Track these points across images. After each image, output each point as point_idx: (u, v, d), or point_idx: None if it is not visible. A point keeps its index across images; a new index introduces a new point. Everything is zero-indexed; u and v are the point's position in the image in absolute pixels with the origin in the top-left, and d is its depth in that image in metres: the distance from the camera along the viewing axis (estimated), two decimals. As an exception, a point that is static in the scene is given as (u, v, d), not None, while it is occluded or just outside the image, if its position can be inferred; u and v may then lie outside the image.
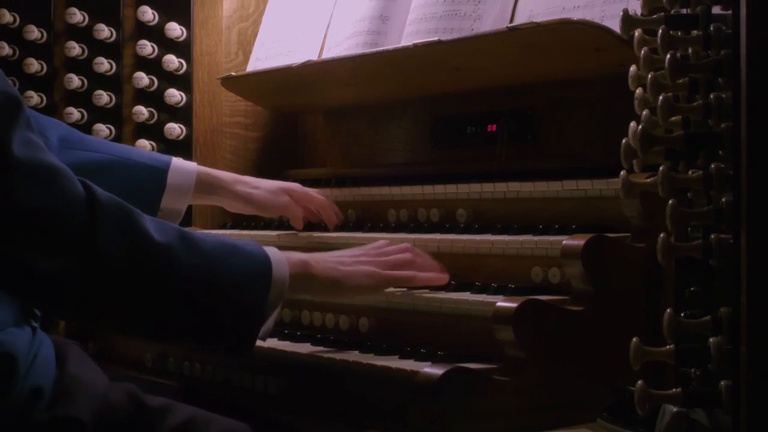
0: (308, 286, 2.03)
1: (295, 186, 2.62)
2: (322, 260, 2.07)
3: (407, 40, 2.55)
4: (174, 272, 1.83)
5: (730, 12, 1.39)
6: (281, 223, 2.75)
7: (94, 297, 1.81)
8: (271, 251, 1.97)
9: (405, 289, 2.20)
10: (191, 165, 2.52)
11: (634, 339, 1.46)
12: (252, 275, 1.92)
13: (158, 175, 2.43)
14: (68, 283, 1.77)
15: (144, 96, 3.16)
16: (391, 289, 2.21)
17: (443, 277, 2.17)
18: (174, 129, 3.09)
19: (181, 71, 3.12)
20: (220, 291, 1.88)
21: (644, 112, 1.50)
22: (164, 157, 2.50)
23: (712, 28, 1.44)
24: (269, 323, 1.94)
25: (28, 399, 1.81)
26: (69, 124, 3.17)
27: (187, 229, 1.97)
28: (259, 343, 2.18)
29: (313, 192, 2.62)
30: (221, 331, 1.92)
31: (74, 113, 3.18)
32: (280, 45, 2.99)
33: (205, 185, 2.52)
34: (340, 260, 2.10)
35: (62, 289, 1.78)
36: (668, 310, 1.43)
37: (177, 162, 2.49)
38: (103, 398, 1.89)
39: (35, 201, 1.71)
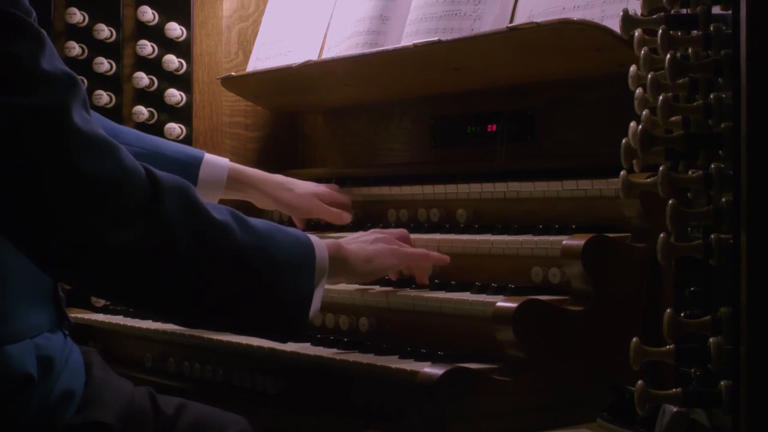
0: (343, 266, 2.05)
1: (323, 190, 2.64)
2: (349, 243, 2.11)
3: (407, 40, 2.54)
4: (233, 249, 1.81)
5: (730, 12, 1.39)
6: (285, 222, 2.75)
7: (155, 272, 1.76)
8: (311, 236, 1.98)
9: (404, 290, 2.20)
10: (223, 161, 2.55)
11: (634, 339, 1.46)
12: (300, 256, 1.91)
13: (190, 169, 2.45)
14: (135, 254, 1.72)
15: (144, 96, 3.16)
16: (391, 289, 2.21)
17: (446, 257, 2.22)
18: (174, 129, 3.09)
19: (181, 71, 3.12)
20: (275, 271, 1.86)
21: (644, 112, 1.50)
22: (197, 151, 2.53)
23: (712, 28, 1.44)
24: (317, 304, 1.93)
25: (61, 401, 1.85)
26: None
27: None
28: (259, 343, 2.20)
29: (337, 195, 2.65)
30: (273, 313, 1.89)
31: (74, 113, 3.18)
32: (280, 45, 2.99)
33: (235, 182, 2.55)
34: (363, 240, 2.15)
35: (127, 260, 1.72)
36: (668, 310, 1.43)
37: (209, 157, 2.51)
38: (129, 402, 1.92)
39: (100, 171, 1.68)
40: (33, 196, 1.66)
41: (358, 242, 2.13)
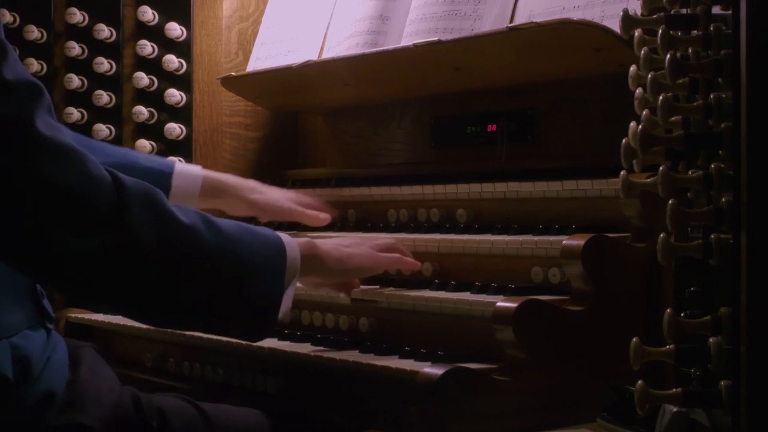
0: (316, 266, 2.05)
1: (293, 195, 2.63)
2: (324, 243, 2.10)
3: (407, 40, 2.54)
4: (200, 252, 1.81)
5: (730, 12, 1.39)
6: (281, 224, 2.75)
7: (123, 278, 1.77)
8: (282, 235, 1.98)
9: (404, 290, 2.20)
10: (196, 169, 2.54)
11: (634, 339, 1.46)
12: (270, 257, 1.92)
13: (162, 179, 2.44)
14: (102, 263, 1.73)
15: (144, 96, 3.15)
16: (391, 289, 2.21)
17: (417, 263, 2.24)
18: (174, 129, 3.09)
19: (181, 71, 3.12)
20: (243, 272, 1.87)
21: (644, 112, 1.50)
22: (168, 161, 2.52)
23: (712, 28, 1.44)
24: (288, 304, 1.93)
25: (40, 403, 1.82)
26: (69, 124, 3.18)
27: None
28: (259, 343, 2.20)
29: (307, 200, 2.64)
30: (242, 314, 1.90)
31: (74, 113, 3.18)
32: (280, 45, 2.99)
33: (210, 189, 2.53)
34: (340, 242, 2.15)
35: (94, 268, 1.74)
36: (668, 310, 1.43)
37: (181, 166, 2.50)
38: (114, 404, 1.90)
39: (65, 179, 1.69)
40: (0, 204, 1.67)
41: (334, 243, 2.13)
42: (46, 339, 1.89)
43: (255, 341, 2.03)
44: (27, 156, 1.66)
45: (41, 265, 1.74)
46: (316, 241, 2.09)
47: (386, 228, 2.53)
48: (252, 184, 2.60)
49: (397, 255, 2.21)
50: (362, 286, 2.29)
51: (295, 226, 2.68)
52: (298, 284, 2.04)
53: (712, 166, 1.42)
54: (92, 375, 1.94)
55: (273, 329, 1.94)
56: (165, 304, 1.84)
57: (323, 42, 2.86)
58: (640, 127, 1.47)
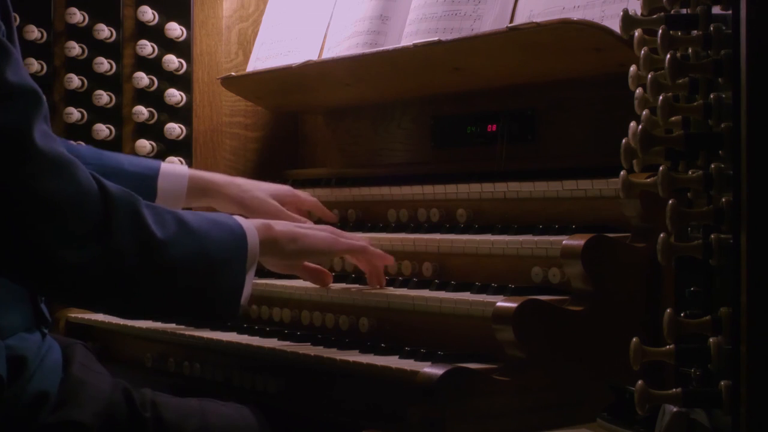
0: (273, 247, 2.12)
1: (284, 190, 2.62)
2: (279, 224, 2.17)
3: (407, 40, 2.54)
4: (175, 264, 1.89)
5: (730, 12, 1.39)
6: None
7: (107, 287, 1.84)
8: (243, 221, 2.05)
9: (404, 290, 2.20)
10: (182, 169, 2.53)
11: (634, 339, 1.46)
12: (233, 249, 2.00)
13: (148, 182, 2.45)
14: (88, 274, 1.80)
15: (144, 96, 3.15)
16: (391, 289, 2.21)
17: (390, 258, 2.29)
18: (174, 129, 3.09)
19: (181, 71, 3.12)
20: (212, 271, 1.96)
21: (644, 112, 1.50)
22: (153, 163, 2.52)
23: (712, 28, 1.44)
24: (248, 290, 2.01)
25: (34, 402, 1.83)
26: (69, 124, 3.18)
27: None
28: (259, 342, 2.21)
29: (300, 193, 2.63)
30: (212, 306, 1.99)
31: (74, 113, 3.18)
32: (280, 45, 2.99)
33: (197, 189, 2.54)
34: (299, 226, 2.22)
35: (81, 279, 1.81)
36: (668, 310, 1.43)
37: (167, 167, 2.50)
38: (107, 400, 1.91)
39: (58, 192, 1.75)
40: None
41: (291, 225, 2.21)
42: (41, 341, 1.91)
43: (222, 326, 2.35)
44: (23, 168, 1.71)
45: (31, 274, 1.80)
46: (272, 222, 2.16)
47: (386, 228, 2.54)
48: (239, 181, 2.59)
49: (362, 243, 2.25)
50: (362, 286, 2.29)
51: None
52: (297, 284, 2.06)
53: (712, 166, 1.42)
54: (84, 372, 1.97)
55: (237, 316, 2.04)
56: (145, 307, 1.96)
57: (323, 42, 2.86)
58: (640, 127, 1.47)
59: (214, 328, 2.44)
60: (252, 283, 2.04)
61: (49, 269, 1.78)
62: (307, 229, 2.21)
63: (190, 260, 1.91)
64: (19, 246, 1.74)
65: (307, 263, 2.25)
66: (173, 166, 2.54)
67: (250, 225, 2.05)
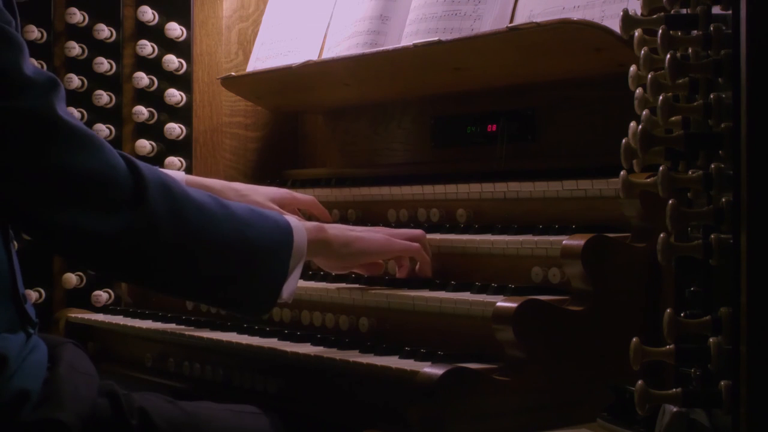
0: (324, 249, 2.16)
1: (282, 193, 2.62)
2: (333, 227, 2.23)
3: (407, 40, 2.55)
4: (212, 233, 1.94)
5: (730, 12, 1.39)
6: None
7: (144, 256, 1.90)
8: (291, 219, 2.09)
9: (404, 290, 2.20)
10: (178, 174, 2.53)
11: (634, 339, 1.46)
12: (277, 242, 2.02)
13: None
14: (124, 243, 1.86)
15: (144, 96, 3.16)
16: (391, 290, 2.21)
17: (429, 269, 2.29)
18: (174, 129, 3.09)
19: (181, 71, 3.12)
20: (251, 254, 1.98)
21: (644, 112, 1.50)
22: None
23: (712, 28, 1.44)
24: (292, 285, 2.04)
25: (15, 400, 1.83)
26: (69, 124, 3.18)
27: None
28: (259, 342, 2.21)
29: (297, 194, 2.63)
30: (247, 292, 2.02)
31: (74, 113, 3.18)
32: (280, 45, 2.99)
33: None
34: (352, 228, 2.26)
35: (119, 249, 1.87)
36: (668, 310, 1.43)
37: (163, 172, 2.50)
38: (92, 401, 1.90)
39: (89, 164, 1.82)
40: (29, 191, 1.80)
41: (347, 227, 2.25)
42: (25, 341, 1.90)
43: (252, 318, 2.30)
44: (54, 143, 1.80)
45: (70, 246, 1.90)
46: (325, 225, 2.20)
47: (385, 227, 2.53)
48: (236, 186, 2.59)
49: (417, 245, 2.26)
50: (361, 286, 2.29)
51: None
52: (302, 282, 2.13)
53: (712, 166, 1.42)
54: (70, 372, 1.95)
55: (270, 309, 2.08)
56: (181, 279, 1.97)
57: (323, 42, 2.86)
58: (640, 127, 1.47)
59: (247, 319, 2.41)
60: (297, 280, 2.06)
61: (86, 240, 1.84)
62: (361, 231, 2.24)
63: (229, 233, 1.95)
64: (58, 220, 1.81)
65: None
66: (170, 172, 2.53)
67: (299, 224, 2.09)
